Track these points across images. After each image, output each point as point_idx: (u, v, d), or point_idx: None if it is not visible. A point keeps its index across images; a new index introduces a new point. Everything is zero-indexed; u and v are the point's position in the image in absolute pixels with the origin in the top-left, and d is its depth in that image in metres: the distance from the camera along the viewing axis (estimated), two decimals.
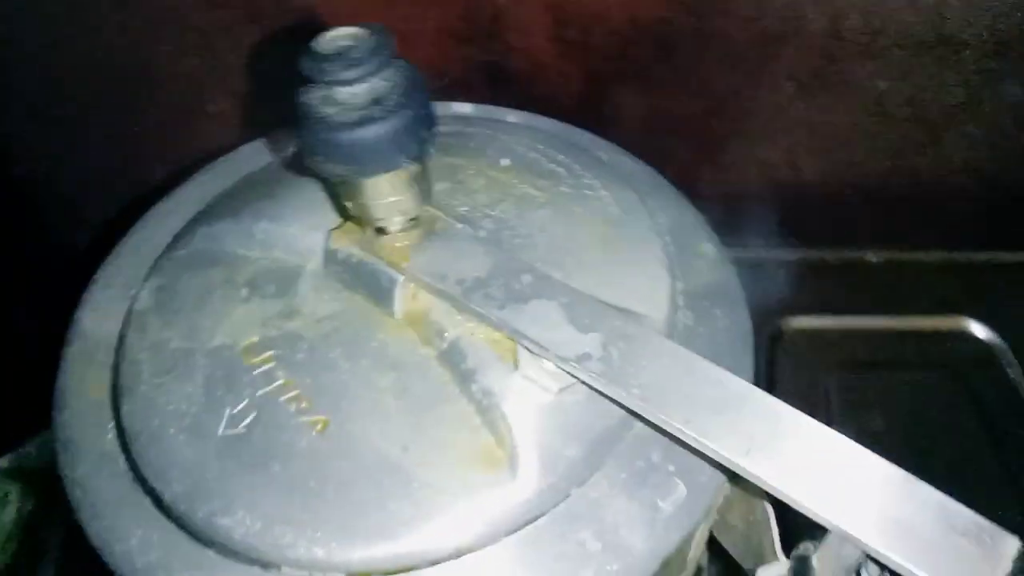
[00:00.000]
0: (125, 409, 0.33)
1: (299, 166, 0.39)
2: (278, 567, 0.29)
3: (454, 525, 0.29)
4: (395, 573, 0.29)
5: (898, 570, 0.25)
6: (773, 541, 0.32)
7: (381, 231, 0.33)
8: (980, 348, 0.59)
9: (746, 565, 0.36)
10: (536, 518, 0.30)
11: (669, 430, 0.28)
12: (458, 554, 0.30)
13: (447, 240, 0.33)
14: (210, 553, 0.30)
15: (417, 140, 0.30)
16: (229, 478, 0.30)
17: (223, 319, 0.34)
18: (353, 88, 0.28)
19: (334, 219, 0.35)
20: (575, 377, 0.31)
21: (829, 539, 0.27)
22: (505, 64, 0.59)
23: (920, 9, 0.54)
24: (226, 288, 0.35)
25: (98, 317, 0.37)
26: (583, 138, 0.45)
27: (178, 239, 0.38)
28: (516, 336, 0.30)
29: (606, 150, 0.44)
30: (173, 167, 0.45)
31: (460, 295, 0.31)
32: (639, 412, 0.29)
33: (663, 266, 0.36)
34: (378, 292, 0.33)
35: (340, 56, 0.28)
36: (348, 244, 0.33)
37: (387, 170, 0.30)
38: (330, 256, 0.34)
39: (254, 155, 0.43)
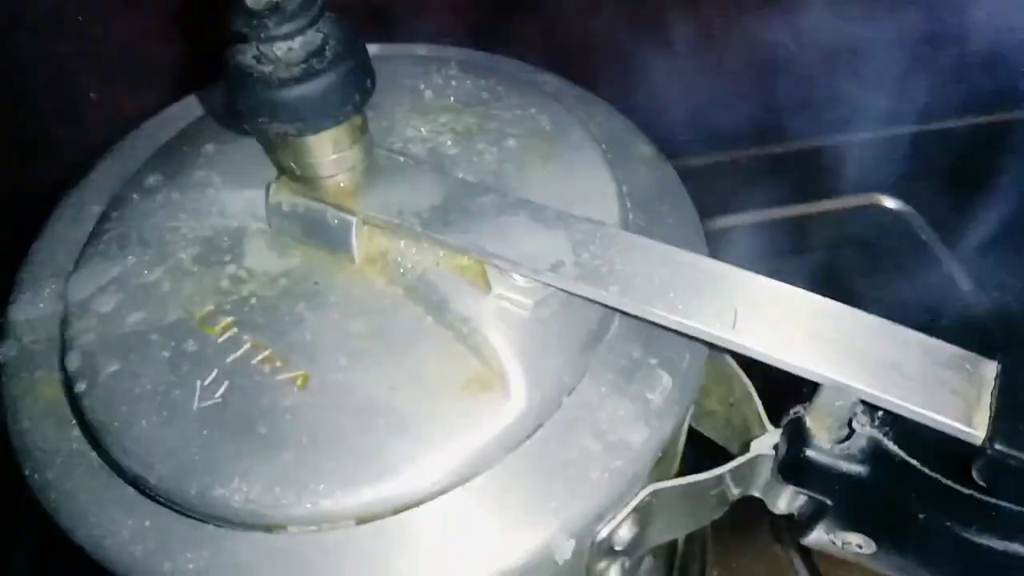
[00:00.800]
0: (87, 403, 0.31)
1: (210, 130, 0.37)
2: (284, 527, 0.29)
3: (456, 453, 0.29)
4: (405, 510, 0.29)
5: (893, 409, 0.27)
6: (759, 413, 0.33)
7: (314, 180, 0.32)
8: (894, 219, 0.62)
9: (732, 447, 0.37)
10: (534, 431, 0.30)
11: (654, 319, 0.29)
12: (464, 480, 0.29)
13: (394, 175, 0.33)
14: (209, 528, 0.29)
15: (360, 90, 0.29)
16: (216, 449, 0.29)
17: (172, 295, 0.33)
18: (290, 43, 0.27)
19: (265, 174, 0.34)
20: (552, 287, 0.31)
21: (821, 395, 0.29)
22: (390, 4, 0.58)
23: None
24: (170, 263, 0.34)
25: (30, 318, 0.35)
26: (499, 63, 0.44)
27: (101, 225, 0.36)
28: (485, 257, 0.30)
29: (524, 71, 0.43)
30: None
31: (419, 226, 0.31)
32: (621, 308, 0.29)
33: (606, 173, 0.36)
34: (332, 239, 0.32)
35: (273, 11, 0.27)
36: (291, 195, 0.32)
37: (334, 123, 0.29)
38: (273, 211, 0.33)
39: (157, 130, 0.40)
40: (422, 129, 0.37)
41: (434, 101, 0.38)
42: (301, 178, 0.31)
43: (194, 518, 0.29)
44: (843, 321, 0.28)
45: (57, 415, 0.32)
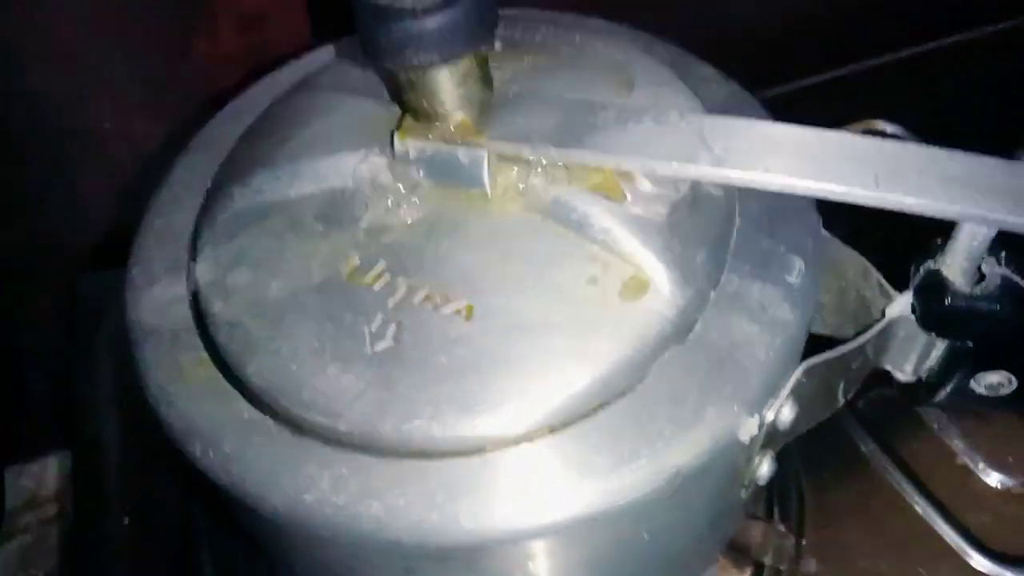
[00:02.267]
0: (251, 371, 0.31)
1: (305, 98, 0.38)
2: (482, 450, 0.29)
3: (631, 354, 0.30)
4: (595, 412, 0.30)
5: None
6: (881, 283, 0.35)
7: (444, 118, 0.33)
8: None
9: (847, 332, 0.39)
10: (694, 323, 0.32)
11: (806, 192, 0.30)
12: (642, 376, 0.30)
13: (509, 107, 0.34)
14: (408, 463, 0.29)
15: (494, 15, 0.30)
16: (402, 384, 0.30)
17: (311, 258, 0.33)
18: None
19: (375, 132, 0.35)
20: (681, 190, 0.32)
21: (958, 238, 0.31)
22: None
23: None
24: (297, 230, 0.34)
25: (155, 309, 0.35)
26: (537, 14, 0.45)
27: (210, 208, 0.36)
28: (623, 164, 0.31)
29: (565, 18, 0.45)
30: None
31: (552, 147, 0.32)
32: (769, 187, 0.31)
33: (686, 90, 0.38)
34: (463, 176, 0.33)
35: None
36: (417, 139, 0.33)
37: (476, 49, 0.30)
38: (400, 159, 0.33)
39: (247, 108, 0.41)
40: (500, 74, 0.38)
41: (501, 51, 0.39)
42: (428, 118, 0.32)
43: (392, 456, 0.29)
44: (968, 163, 0.30)
45: (217, 393, 0.32)
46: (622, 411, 0.30)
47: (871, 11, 0.68)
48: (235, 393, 0.32)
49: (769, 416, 0.32)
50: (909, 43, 0.70)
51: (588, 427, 0.30)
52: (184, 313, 0.34)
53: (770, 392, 0.31)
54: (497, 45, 0.39)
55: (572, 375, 0.30)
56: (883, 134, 0.67)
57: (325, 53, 0.44)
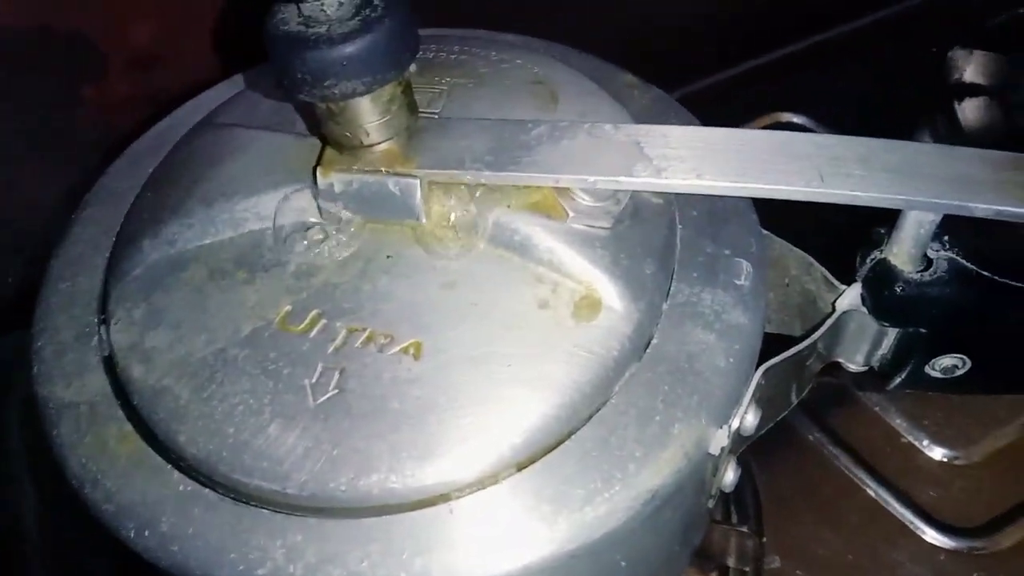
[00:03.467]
0: (183, 440, 0.28)
1: (215, 132, 0.35)
2: (448, 496, 0.27)
3: (591, 376, 0.29)
4: (562, 442, 0.28)
5: (979, 214, 0.29)
6: (826, 277, 0.35)
7: (368, 148, 0.31)
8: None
9: (793, 329, 0.38)
10: (651, 338, 0.31)
11: (749, 194, 0.30)
12: (606, 397, 0.29)
13: (436, 131, 0.32)
14: (368, 521, 0.27)
15: (415, 37, 0.28)
16: (352, 436, 0.27)
17: (237, 308, 0.31)
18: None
19: (294, 168, 0.32)
20: (620, 202, 0.31)
21: (904, 225, 0.31)
22: None
23: None
24: (218, 280, 0.31)
25: (68, 382, 0.31)
26: (458, 32, 0.44)
27: (118, 265, 0.33)
28: (564, 181, 0.30)
29: (481, 34, 0.44)
30: None
31: (486, 169, 0.30)
32: (712, 191, 0.30)
33: (608, 99, 0.37)
34: (395, 208, 0.31)
35: None
36: (342, 172, 0.31)
37: (399, 72, 0.28)
38: (325, 194, 0.31)
39: (148, 151, 0.38)
40: (420, 96, 0.36)
41: (418, 72, 0.38)
42: (352, 149, 0.30)
43: (350, 516, 0.27)
44: (906, 152, 0.30)
45: (147, 467, 0.29)
46: (589, 437, 0.29)
47: (761, 9, 0.69)
48: (167, 465, 0.29)
49: (735, 424, 0.31)
50: (801, 36, 0.71)
51: (557, 459, 0.28)
52: (101, 383, 0.31)
53: (734, 400, 0.30)
54: (413, 67, 0.38)
55: (534, 406, 0.28)
56: (790, 126, 0.68)
57: (227, 87, 0.41)
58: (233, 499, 0.28)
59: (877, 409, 0.54)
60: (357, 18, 0.27)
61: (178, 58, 0.53)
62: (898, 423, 0.53)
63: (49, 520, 0.49)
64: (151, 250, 0.33)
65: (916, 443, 0.53)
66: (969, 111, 0.60)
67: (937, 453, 0.52)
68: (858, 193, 0.29)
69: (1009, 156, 0.30)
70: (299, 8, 0.27)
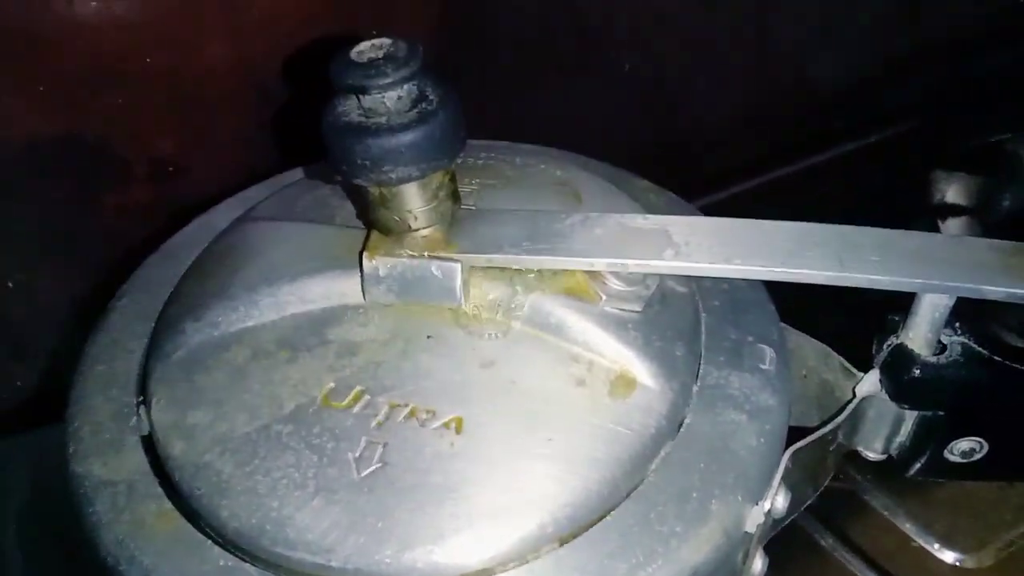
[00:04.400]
0: (225, 515, 0.28)
1: (252, 228, 0.37)
2: (492, 571, 0.27)
3: (628, 455, 0.30)
4: (601, 519, 0.29)
5: (995, 297, 0.31)
6: (843, 365, 0.36)
7: (413, 233, 0.32)
8: None
9: (811, 420, 0.39)
10: (684, 417, 0.31)
11: (777, 278, 0.31)
12: (640, 478, 0.30)
13: (474, 220, 0.34)
14: None
15: (464, 130, 0.30)
16: (396, 509, 0.28)
17: (280, 386, 0.31)
18: (399, 91, 0.28)
19: (335, 255, 0.34)
20: (651, 286, 0.33)
21: (920, 309, 0.32)
22: None
23: None
24: (259, 360, 0.32)
25: (105, 460, 0.32)
26: (476, 144, 0.46)
27: (160, 347, 0.34)
28: (600, 265, 0.32)
29: (502, 144, 0.46)
30: None
31: (524, 254, 0.32)
32: (742, 276, 0.32)
33: (627, 200, 0.39)
34: (436, 291, 0.32)
35: (388, 60, 0.28)
36: (387, 256, 0.32)
37: (450, 162, 0.30)
38: (370, 278, 0.32)
39: (184, 245, 0.39)
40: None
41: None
42: (399, 234, 0.32)
43: None
44: (920, 240, 0.32)
45: (186, 543, 0.29)
46: (630, 513, 0.29)
47: (759, 128, 0.73)
48: (207, 542, 0.29)
49: (767, 504, 0.31)
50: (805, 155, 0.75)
51: (598, 534, 0.28)
52: (139, 461, 0.31)
53: (766, 479, 0.31)
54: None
55: (576, 482, 0.29)
56: None
57: (258, 190, 0.43)
58: (275, 574, 0.28)
59: (886, 513, 0.54)
60: (414, 110, 0.29)
61: (205, 166, 0.56)
62: (908, 527, 0.53)
63: None
64: (194, 332, 0.33)
65: (927, 547, 0.53)
66: (953, 230, 0.64)
67: (948, 556, 0.52)
68: (877, 277, 0.30)
69: (1015, 244, 0.32)
70: (359, 100, 0.29)
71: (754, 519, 0.30)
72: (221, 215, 0.42)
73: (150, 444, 0.32)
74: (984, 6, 0.80)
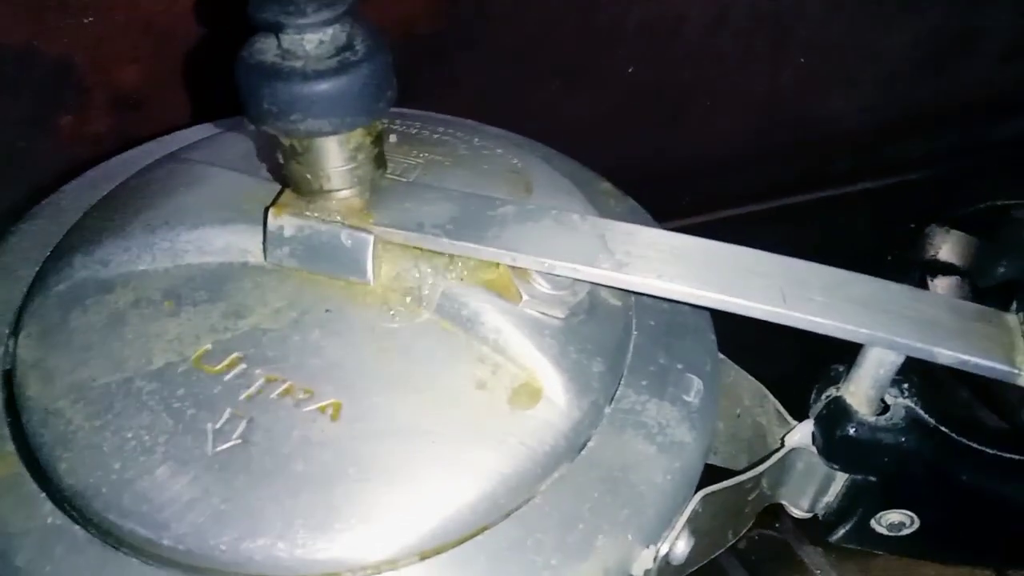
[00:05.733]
0: (63, 468, 0.26)
1: (170, 168, 0.34)
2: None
3: (516, 471, 0.27)
4: (473, 537, 0.26)
5: (943, 360, 0.28)
6: (779, 410, 0.33)
7: (328, 196, 0.29)
8: None
9: (738, 463, 0.36)
10: (588, 439, 0.29)
11: (710, 304, 0.28)
12: (528, 497, 0.27)
13: (400, 193, 0.31)
14: None
15: (392, 87, 0.28)
16: (246, 494, 0.25)
17: (153, 339, 0.29)
18: (321, 34, 0.26)
19: (246, 208, 0.31)
20: (578, 294, 0.30)
21: (864, 363, 0.29)
22: None
23: None
24: (140, 307, 0.29)
25: None
26: (440, 118, 0.44)
27: (45, 278, 0.31)
28: (524, 262, 0.29)
29: (469, 123, 0.43)
30: None
31: (444, 237, 0.29)
32: (672, 297, 0.29)
33: (581, 199, 0.37)
34: (343, 262, 0.29)
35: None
36: (295, 217, 0.29)
37: (370, 120, 0.27)
38: (274, 238, 0.30)
39: (105, 177, 0.36)
40: (394, 164, 0.35)
41: (399, 143, 0.37)
42: (311, 194, 0.29)
43: None
44: (872, 287, 0.29)
45: (18, 492, 0.26)
46: (505, 535, 0.26)
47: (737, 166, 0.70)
48: (41, 494, 0.26)
49: (664, 548, 0.29)
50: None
51: (464, 554, 0.26)
52: None
53: (665, 521, 0.28)
54: (392, 138, 0.38)
55: (451, 491, 0.26)
56: None
57: (202, 130, 0.40)
58: (103, 541, 0.25)
59: (819, 573, 0.51)
60: (335, 58, 0.26)
61: (163, 101, 0.53)
62: None
63: None
64: (81, 267, 0.31)
65: None
66: (941, 288, 0.61)
67: None
68: (819, 320, 0.28)
69: (976, 307, 0.29)
70: (279, 40, 0.26)
71: (643, 563, 0.27)
72: (154, 150, 0.39)
73: (10, 379, 0.29)
74: (1011, 71, 0.77)
